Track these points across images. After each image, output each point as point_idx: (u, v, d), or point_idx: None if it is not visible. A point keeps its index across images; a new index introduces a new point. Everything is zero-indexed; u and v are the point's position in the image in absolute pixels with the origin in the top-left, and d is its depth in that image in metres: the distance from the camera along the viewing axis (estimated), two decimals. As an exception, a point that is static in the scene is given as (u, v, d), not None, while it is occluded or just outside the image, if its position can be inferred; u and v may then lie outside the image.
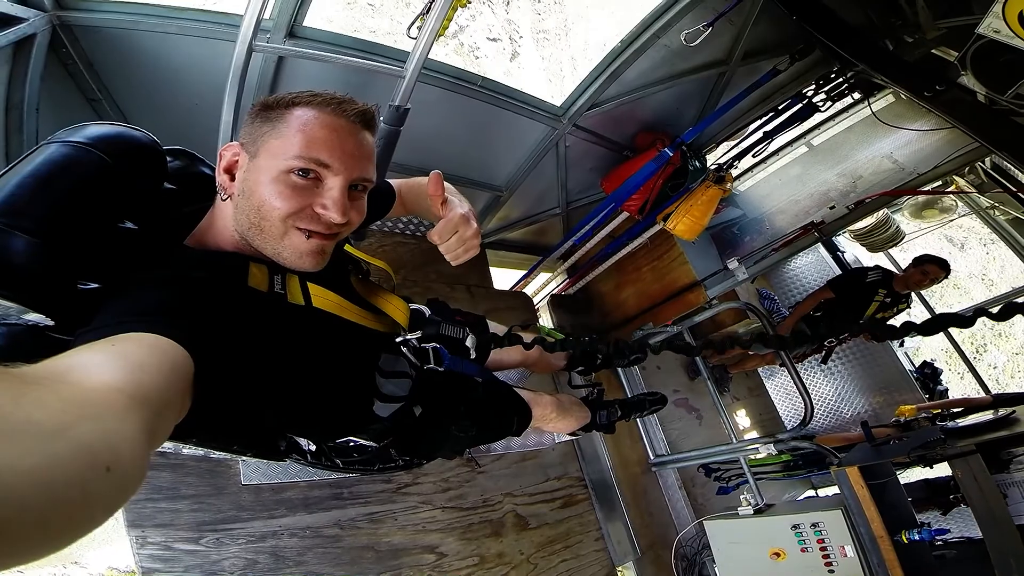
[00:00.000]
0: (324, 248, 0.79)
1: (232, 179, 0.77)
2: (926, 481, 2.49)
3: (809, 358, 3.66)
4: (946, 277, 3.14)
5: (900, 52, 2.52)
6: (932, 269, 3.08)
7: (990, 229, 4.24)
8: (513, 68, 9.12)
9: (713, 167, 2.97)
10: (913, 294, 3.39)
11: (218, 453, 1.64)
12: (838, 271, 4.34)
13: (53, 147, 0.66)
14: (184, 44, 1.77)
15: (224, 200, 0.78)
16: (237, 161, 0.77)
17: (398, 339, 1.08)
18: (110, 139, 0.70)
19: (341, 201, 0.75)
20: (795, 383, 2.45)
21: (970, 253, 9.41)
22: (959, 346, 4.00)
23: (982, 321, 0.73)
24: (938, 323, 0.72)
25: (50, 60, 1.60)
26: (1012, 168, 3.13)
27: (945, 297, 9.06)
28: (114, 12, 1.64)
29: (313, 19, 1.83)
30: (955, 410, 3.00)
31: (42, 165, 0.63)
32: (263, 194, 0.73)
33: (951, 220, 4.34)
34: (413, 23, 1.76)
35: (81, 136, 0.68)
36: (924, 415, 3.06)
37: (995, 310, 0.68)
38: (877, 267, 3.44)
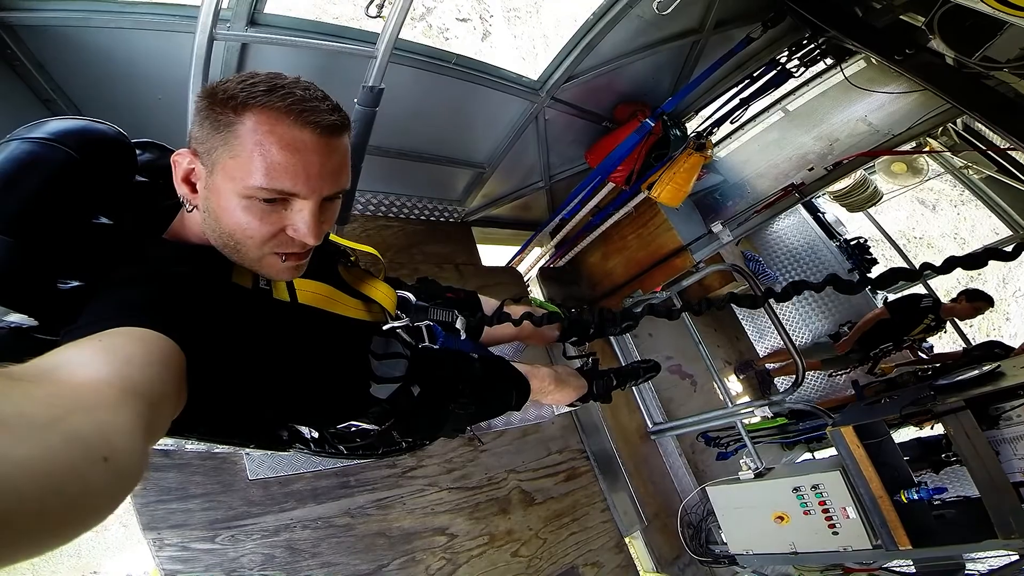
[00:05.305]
0: (300, 265, 0.76)
1: (193, 190, 0.70)
2: (919, 440, 2.52)
3: (857, 368, 3.89)
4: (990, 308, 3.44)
5: (869, 18, 2.53)
6: (983, 306, 3.38)
7: (965, 188, 4.35)
8: (485, 48, 8.95)
9: (693, 135, 2.98)
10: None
11: (221, 447, 1.64)
12: (820, 232, 4.45)
13: (14, 144, 0.63)
14: (140, 38, 1.71)
15: (190, 212, 0.73)
16: (193, 170, 0.69)
17: (385, 327, 1.09)
18: (75, 133, 0.67)
19: (313, 224, 0.69)
20: (784, 342, 2.50)
21: (941, 214, 9.64)
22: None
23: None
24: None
25: (-6, 63, 1.53)
26: (983, 128, 3.20)
27: (920, 257, 9.30)
28: (60, 10, 1.56)
29: (273, 6, 1.77)
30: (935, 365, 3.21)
31: (6, 163, 0.61)
32: (231, 221, 0.67)
33: (926, 180, 4.43)
34: (371, 3, 1.71)
35: (44, 132, 0.65)
36: (907, 370, 3.21)
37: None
38: (929, 295, 3.74)
